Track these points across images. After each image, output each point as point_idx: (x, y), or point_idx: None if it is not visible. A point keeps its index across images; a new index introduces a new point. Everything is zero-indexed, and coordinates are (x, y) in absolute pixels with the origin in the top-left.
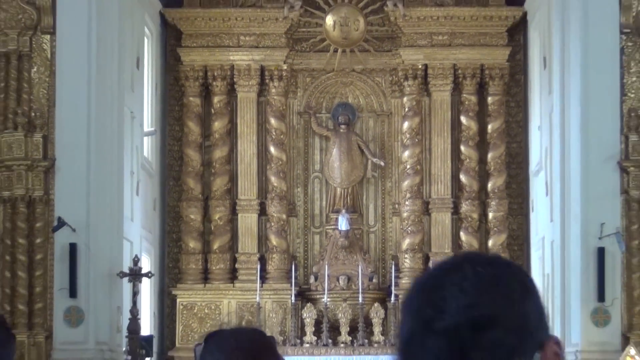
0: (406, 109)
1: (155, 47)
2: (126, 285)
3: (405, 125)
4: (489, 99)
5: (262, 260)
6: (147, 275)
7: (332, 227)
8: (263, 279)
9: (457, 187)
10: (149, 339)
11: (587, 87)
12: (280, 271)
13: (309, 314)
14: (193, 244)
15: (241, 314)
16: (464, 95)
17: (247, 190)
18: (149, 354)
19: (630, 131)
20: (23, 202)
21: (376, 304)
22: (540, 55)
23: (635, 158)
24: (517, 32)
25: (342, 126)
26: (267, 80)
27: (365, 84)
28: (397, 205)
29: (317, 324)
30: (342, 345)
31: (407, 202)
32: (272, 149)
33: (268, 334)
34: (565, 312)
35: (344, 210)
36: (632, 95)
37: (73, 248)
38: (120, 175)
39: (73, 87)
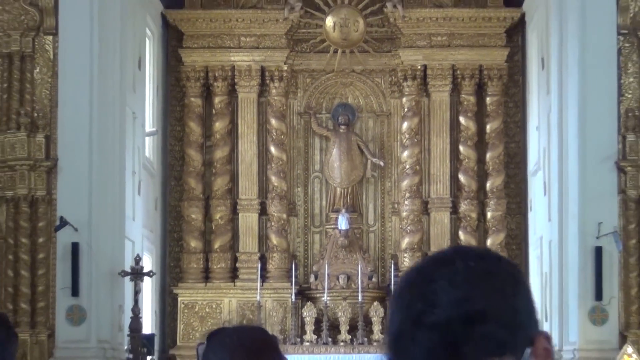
0: (405, 110)
1: (156, 48)
2: (128, 284)
3: (405, 125)
4: (488, 100)
5: (263, 260)
6: (148, 274)
7: (332, 226)
8: (263, 278)
9: (455, 186)
10: (150, 337)
11: (584, 88)
12: (281, 270)
13: (309, 313)
14: (194, 243)
15: (242, 312)
16: (463, 95)
17: (247, 190)
18: (151, 353)
19: (627, 131)
20: (26, 202)
21: (375, 303)
22: (539, 56)
23: (632, 158)
24: (516, 33)
25: (342, 126)
26: (267, 81)
27: (365, 84)
28: (396, 205)
29: (317, 322)
30: (341, 343)
31: (406, 202)
32: (272, 149)
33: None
34: (563, 310)
35: (343, 210)
36: (630, 96)
37: (75, 247)
38: (122, 175)
39: (75, 88)
